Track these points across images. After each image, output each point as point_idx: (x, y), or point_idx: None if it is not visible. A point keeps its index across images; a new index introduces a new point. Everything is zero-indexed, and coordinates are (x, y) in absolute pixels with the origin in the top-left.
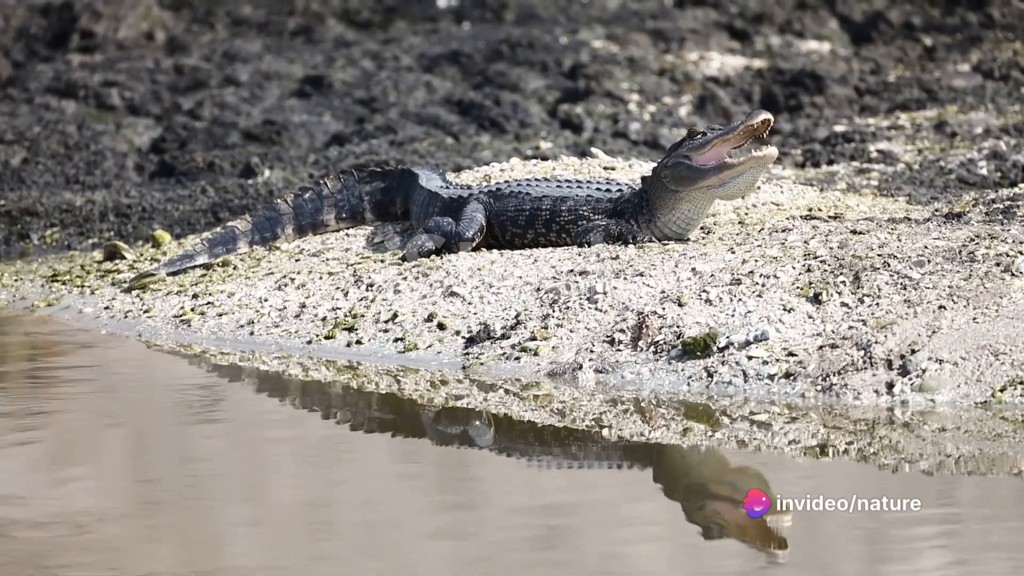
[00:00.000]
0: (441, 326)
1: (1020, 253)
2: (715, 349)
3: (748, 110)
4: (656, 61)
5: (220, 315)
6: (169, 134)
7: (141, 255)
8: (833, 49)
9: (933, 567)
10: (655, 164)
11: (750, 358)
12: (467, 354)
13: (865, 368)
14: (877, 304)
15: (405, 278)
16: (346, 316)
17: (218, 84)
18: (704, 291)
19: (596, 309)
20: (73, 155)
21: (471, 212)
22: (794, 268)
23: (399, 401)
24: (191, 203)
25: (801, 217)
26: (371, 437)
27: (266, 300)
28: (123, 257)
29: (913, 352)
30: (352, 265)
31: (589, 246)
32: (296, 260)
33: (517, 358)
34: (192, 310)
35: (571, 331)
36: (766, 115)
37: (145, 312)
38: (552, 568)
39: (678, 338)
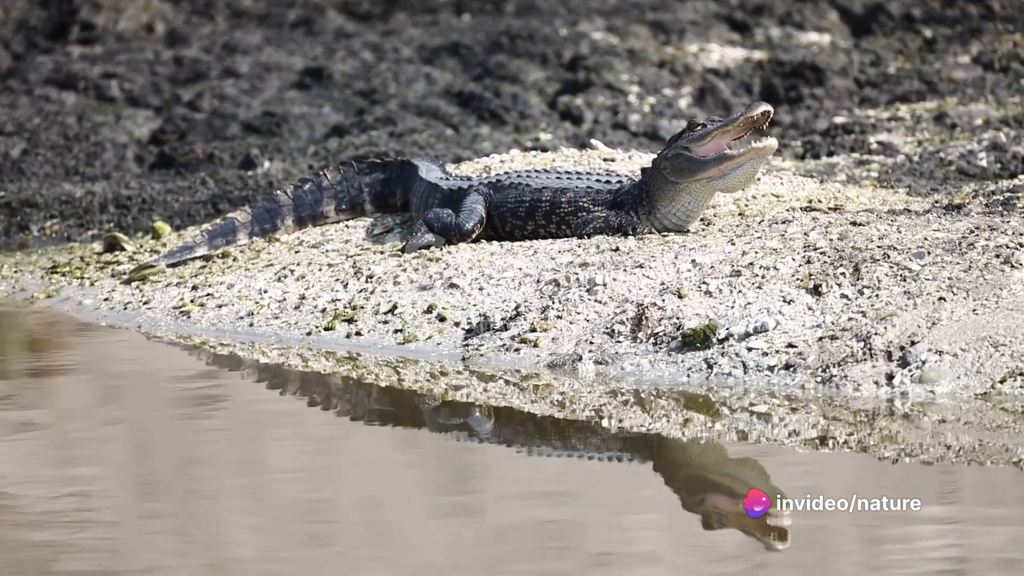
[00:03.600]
0: (441, 317)
1: (1020, 245)
2: (715, 340)
3: (748, 102)
4: (656, 53)
5: (220, 306)
6: (169, 125)
7: (141, 246)
8: (833, 41)
9: (933, 562)
10: (655, 156)
11: (750, 349)
12: (467, 345)
13: (865, 359)
14: (877, 295)
15: (405, 270)
16: (346, 307)
17: (218, 76)
18: (704, 282)
19: (596, 300)
20: (73, 146)
21: (471, 204)
22: (794, 259)
23: (399, 392)
24: (191, 194)
25: (801, 209)
26: (371, 428)
27: (266, 291)
28: (123, 248)
29: (913, 343)
30: (352, 257)
31: (589, 237)
32: (296, 251)
33: (517, 349)
34: (192, 301)
35: (571, 322)
36: (766, 107)
37: (145, 303)
38: (552, 558)
39: (678, 329)
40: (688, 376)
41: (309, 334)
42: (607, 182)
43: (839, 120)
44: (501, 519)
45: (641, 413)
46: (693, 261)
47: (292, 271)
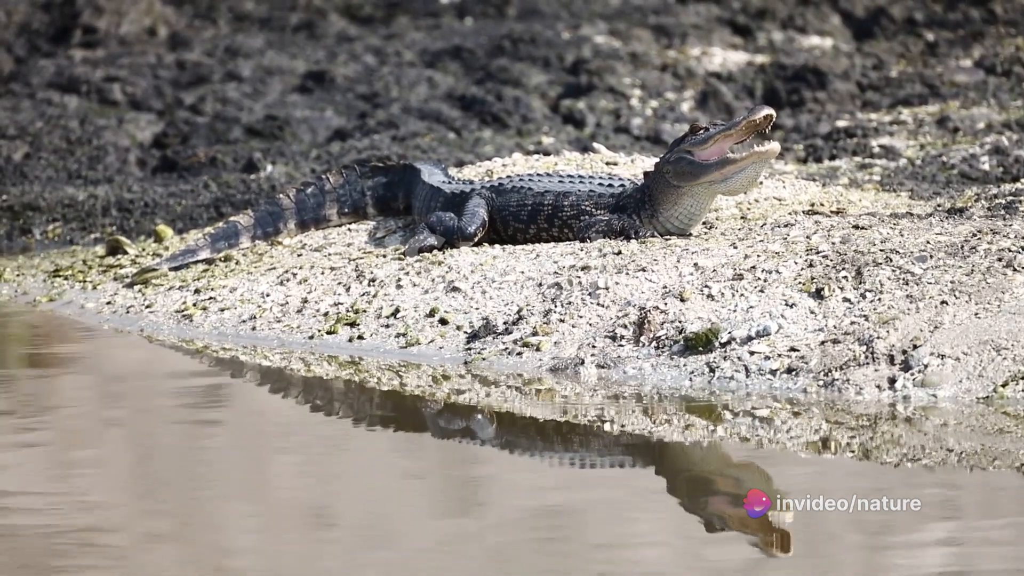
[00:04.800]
0: (443, 321)
1: (1022, 248)
2: (717, 344)
3: (750, 106)
4: (658, 56)
5: (222, 310)
6: (171, 129)
7: (143, 250)
8: (835, 44)
9: (934, 564)
10: (657, 159)
11: (752, 353)
12: (469, 349)
13: (867, 363)
14: (879, 299)
15: (407, 273)
16: (348, 311)
17: (220, 79)
18: (706, 286)
19: (598, 304)
20: (75, 150)
21: (473, 207)
22: (796, 263)
23: (401, 396)
24: (193, 198)
25: (803, 212)
26: (373, 432)
27: (268, 295)
28: (125, 252)
29: (915, 347)
30: (354, 260)
31: (591, 241)
32: (298, 255)
33: (519, 353)
34: (194, 305)
35: (573, 326)
36: (768, 111)
37: (147, 307)
38: (554, 563)
39: (680, 333)
40: (690, 380)
41: (311, 338)
42: (609, 186)
43: (841, 124)
44: (503, 525)
45: (643, 417)
46: (695, 264)
47: (294, 275)
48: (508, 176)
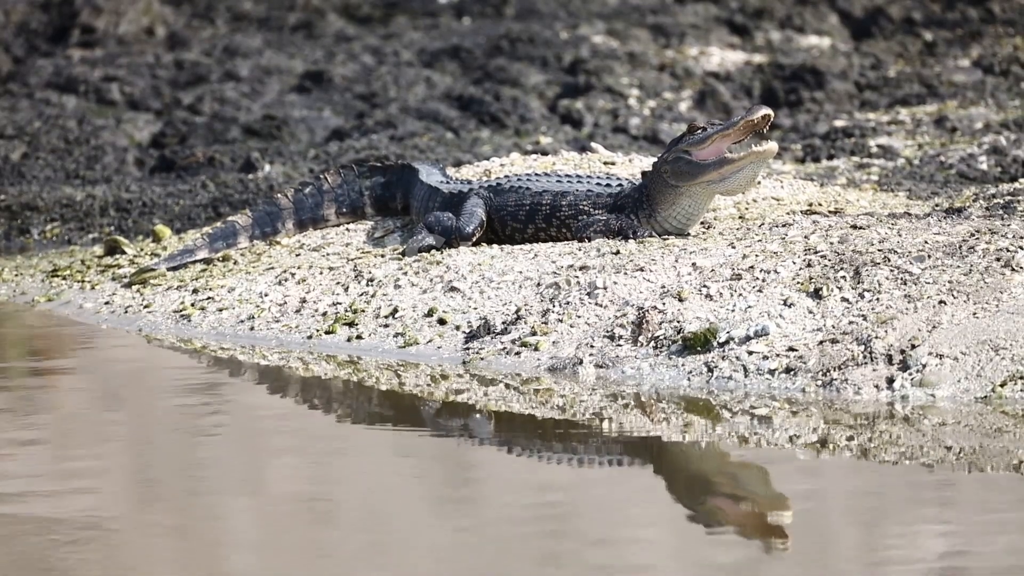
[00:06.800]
0: (441, 321)
1: (1020, 248)
2: (715, 344)
3: (748, 105)
4: (656, 56)
5: (220, 310)
6: (169, 129)
7: (141, 250)
8: (833, 44)
9: (932, 562)
10: (655, 159)
11: (750, 353)
12: (467, 349)
13: (865, 363)
14: (877, 299)
15: (405, 273)
16: (346, 311)
17: (218, 79)
18: (704, 286)
19: (596, 304)
20: (73, 150)
21: (471, 207)
22: (794, 263)
23: (399, 396)
24: (191, 198)
25: (801, 212)
26: (372, 433)
27: (266, 295)
28: (123, 252)
29: (913, 347)
30: (352, 260)
31: (589, 241)
32: (296, 255)
33: (517, 353)
34: (192, 305)
35: (571, 326)
36: (766, 110)
37: (145, 307)
38: (552, 562)
39: (678, 333)
40: (688, 380)
41: (310, 338)
42: (607, 185)
43: (839, 123)
44: (500, 523)
45: (642, 417)
46: (693, 264)
47: (293, 274)
48: (506, 176)
